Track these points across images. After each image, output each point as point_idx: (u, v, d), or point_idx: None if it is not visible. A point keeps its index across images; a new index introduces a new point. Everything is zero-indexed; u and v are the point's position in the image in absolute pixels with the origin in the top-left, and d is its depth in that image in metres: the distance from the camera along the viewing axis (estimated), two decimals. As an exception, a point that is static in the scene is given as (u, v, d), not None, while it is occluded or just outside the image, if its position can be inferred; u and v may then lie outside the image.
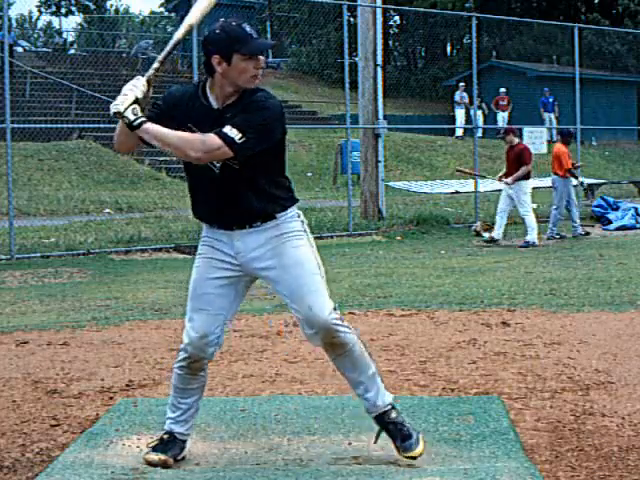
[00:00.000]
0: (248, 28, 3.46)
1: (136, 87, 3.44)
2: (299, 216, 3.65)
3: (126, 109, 3.39)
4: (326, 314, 3.50)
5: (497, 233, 13.10)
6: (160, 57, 3.57)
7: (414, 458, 3.59)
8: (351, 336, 3.59)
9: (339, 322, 3.55)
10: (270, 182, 3.56)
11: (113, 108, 3.41)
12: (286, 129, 3.60)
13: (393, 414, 3.66)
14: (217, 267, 3.61)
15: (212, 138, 3.39)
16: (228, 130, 3.39)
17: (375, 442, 3.72)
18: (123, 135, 3.52)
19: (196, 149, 3.39)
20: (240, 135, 3.38)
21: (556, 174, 13.65)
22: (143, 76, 3.50)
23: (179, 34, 3.64)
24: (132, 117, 3.39)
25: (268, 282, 3.64)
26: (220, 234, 3.62)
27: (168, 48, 3.63)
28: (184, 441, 3.74)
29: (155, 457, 3.63)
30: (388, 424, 3.65)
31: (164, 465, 3.61)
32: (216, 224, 3.62)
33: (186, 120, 3.50)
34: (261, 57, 3.47)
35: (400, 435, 3.63)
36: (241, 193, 3.52)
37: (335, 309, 3.57)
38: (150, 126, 3.41)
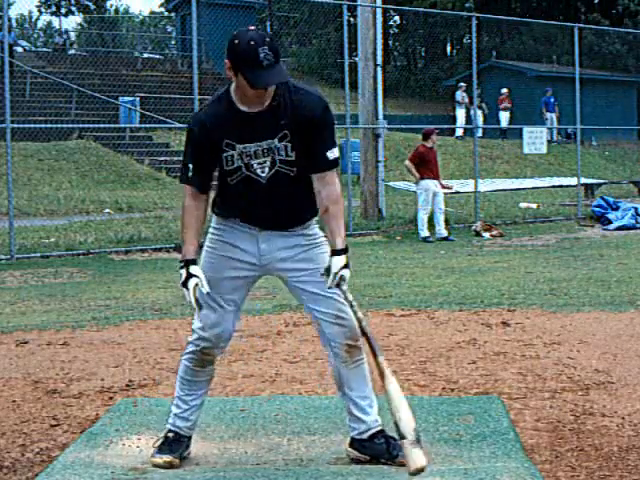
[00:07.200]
0: (262, 54, 3.25)
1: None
2: (317, 223, 3.70)
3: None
4: (355, 316, 3.53)
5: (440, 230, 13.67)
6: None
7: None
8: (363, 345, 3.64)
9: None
10: (307, 188, 3.57)
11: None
12: None
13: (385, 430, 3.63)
14: (235, 267, 3.59)
15: (333, 177, 3.52)
16: (330, 155, 3.49)
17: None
18: None
19: (338, 196, 3.52)
20: (336, 148, 3.54)
21: None
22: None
23: None
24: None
25: (291, 281, 3.61)
26: (244, 232, 3.58)
27: None
28: (189, 437, 3.73)
29: (160, 460, 3.61)
30: (388, 438, 3.60)
31: (170, 466, 3.59)
32: (247, 224, 3.59)
33: (224, 137, 3.44)
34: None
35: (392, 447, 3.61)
36: (286, 201, 3.53)
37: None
38: None
